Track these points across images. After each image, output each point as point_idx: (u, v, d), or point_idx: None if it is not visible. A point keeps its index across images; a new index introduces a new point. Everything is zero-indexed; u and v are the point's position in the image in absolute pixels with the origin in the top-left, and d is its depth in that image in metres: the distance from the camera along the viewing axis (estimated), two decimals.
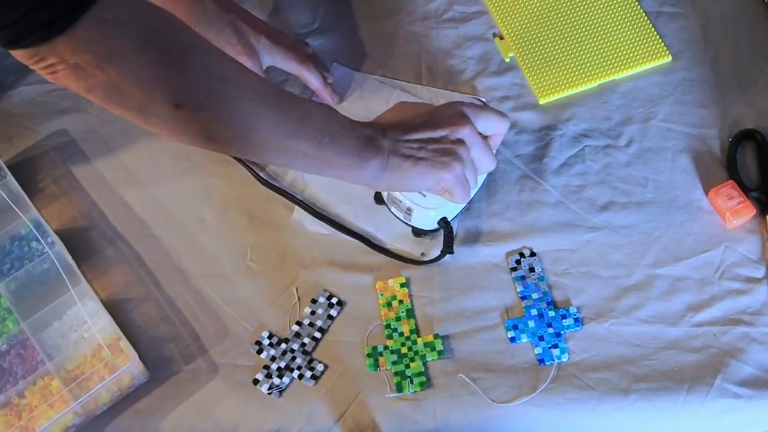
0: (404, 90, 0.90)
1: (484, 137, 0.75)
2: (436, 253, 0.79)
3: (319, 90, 0.88)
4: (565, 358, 0.74)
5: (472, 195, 0.76)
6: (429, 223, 0.78)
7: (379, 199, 0.82)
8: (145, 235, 0.83)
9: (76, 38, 0.53)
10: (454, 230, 0.78)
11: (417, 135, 0.71)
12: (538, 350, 0.74)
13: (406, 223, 0.79)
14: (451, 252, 0.78)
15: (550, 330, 0.75)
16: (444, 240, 0.77)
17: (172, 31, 0.60)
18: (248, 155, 0.70)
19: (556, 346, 0.74)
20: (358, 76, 0.91)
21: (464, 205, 0.79)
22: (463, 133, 0.72)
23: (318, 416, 0.73)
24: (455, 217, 0.79)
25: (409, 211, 0.77)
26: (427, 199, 0.76)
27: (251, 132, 0.65)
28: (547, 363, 0.74)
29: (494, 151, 0.77)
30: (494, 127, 0.76)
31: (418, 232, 0.80)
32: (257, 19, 0.85)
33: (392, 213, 0.80)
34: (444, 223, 0.77)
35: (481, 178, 0.79)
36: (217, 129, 0.64)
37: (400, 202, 0.77)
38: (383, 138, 0.70)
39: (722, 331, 0.74)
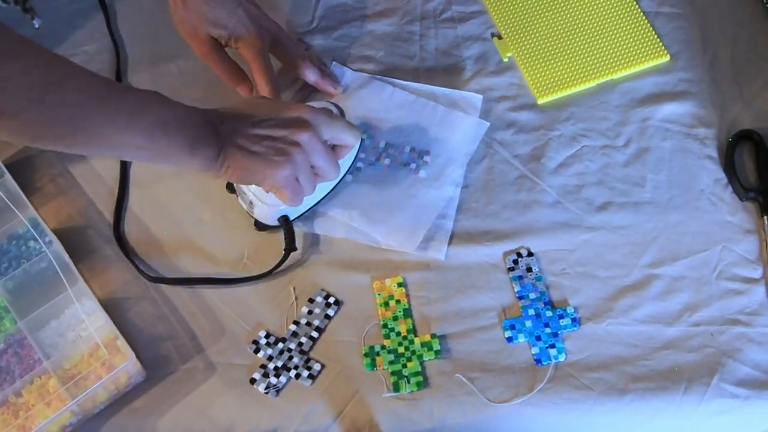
0: (403, 89, 0.90)
1: (330, 146, 0.76)
2: (433, 254, 0.79)
3: (318, 83, 0.88)
4: (562, 358, 0.74)
5: (312, 202, 0.80)
6: (269, 218, 0.80)
7: (230, 188, 0.83)
8: (143, 234, 0.83)
9: None
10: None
11: (256, 130, 0.72)
12: (535, 350, 0.74)
13: (250, 215, 0.81)
14: (294, 249, 0.79)
15: (548, 330, 0.75)
16: (285, 238, 0.79)
17: None
18: (79, 151, 0.72)
19: (553, 346, 0.74)
20: (356, 76, 0.91)
21: (306, 208, 0.80)
22: (302, 137, 0.72)
23: (315, 416, 0.73)
24: (299, 216, 0.81)
25: (251, 205, 0.79)
26: (268, 196, 0.77)
27: (78, 131, 0.65)
28: (544, 363, 0.74)
29: (348, 162, 0.80)
30: (342, 138, 0.77)
31: (260, 226, 0.81)
32: (262, 10, 0.87)
33: (240, 203, 0.82)
34: (284, 221, 0.79)
35: (327, 185, 0.81)
36: (41, 131, 0.64)
37: (245, 194, 0.79)
38: (220, 125, 0.71)
39: (719, 330, 0.74)
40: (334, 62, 0.92)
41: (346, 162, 0.81)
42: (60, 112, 0.63)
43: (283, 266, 0.80)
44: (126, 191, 0.86)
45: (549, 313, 0.76)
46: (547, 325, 0.75)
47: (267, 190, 0.76)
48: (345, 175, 0.83)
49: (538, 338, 0.75)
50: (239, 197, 0.82)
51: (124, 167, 0.87)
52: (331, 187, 0.82)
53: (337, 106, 0.82)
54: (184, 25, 0.84)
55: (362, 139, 0.83)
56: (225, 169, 0.72)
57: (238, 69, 0.87)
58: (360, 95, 0.90)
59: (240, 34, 0.84)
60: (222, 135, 0.71)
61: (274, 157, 0.71)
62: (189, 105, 0.71)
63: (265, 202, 0.78)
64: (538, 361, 0.74)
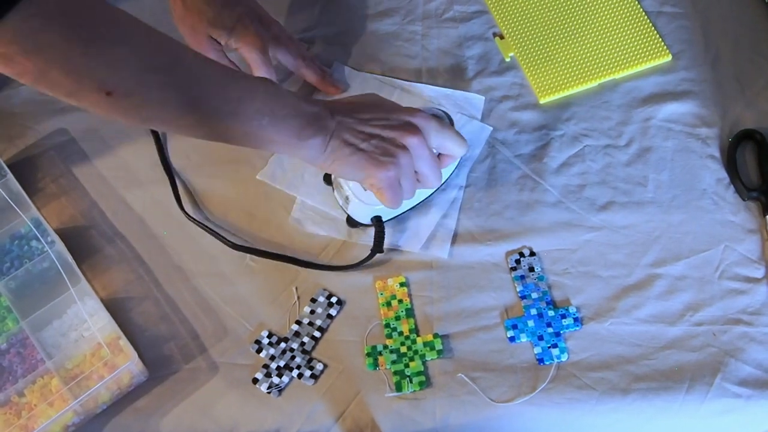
0: (405, 89, 0.90)
1: (436, 155, 0.76)
2: (440, 254, 0.79)
3: (318, 83, 0.89)
4: (564, 357, 0.74)
5: (408, 206, 0.79)
6: (363, 216, 0.79)
7: (327, 180, 0.83)
8: (145, 234, 0.83)
9: (3, 31, 0.55)
10: (430, 229, 0.80)
11: (366, 128, 0.72)
12: (537, 350, 0.74)
13: (344, 210, 0.81)
14: (381, 251, 0.79)
15: (550, 330, 0.75)
16: (374, 239, 0.79)
17: (103, 23, 0.61)
18: (187, 134, 0.73)
19: (555, 346, 0.74)
20: (358, 76, 0.91)
21: (401, 211, 0.80)
22: (411, 142, 0.72)
23: (317, 415, 0.73)
24: (392, 219, 0.80)
25: (347, 200, 0.79)
26: (366, 194, 0.77)
27: (186, 114, 0.66)
28: (547, 363, 0.74)
29: (449, 171, 0.80)
30: (448, 147, 0.77)
31: (352, 222, 0.81)
32: (263, 9, 0.87)
33: (335, 197, 0.82)
34: (377, 221, 0.79)
35: (424, 193, 0.81)
36: (150, 112, 0.66)
37: (342, 188, 0.79)
38: (330, 119, 0.72)
39: (722, 330, 0.74)
40: (335, 62, 0.92)
41: (447, 171, 0.81)
42: (170, 94, 0.64)
43: (284, 266, 0.80)
44: (171, 175, 0.86)
45: (551, 313, 0.76)
46: (549, 325, 0.75)
47: (367, 189, 0.76)
48: (444, 183, 0.82)
49: (541, 338, 0.75)
50: (335, 191, 0.81)
51: (127, 166, 0.87)
52: (429, 194, 0.81)
53: (447, 114, 0.82)
54: (184, 23, 0.84)
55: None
56: (330, 162, 0.72)
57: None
58: None
59: (239, 35, 0.83)
60: (331, 128, 0.71)
61: (380, 156, 0.71)
62: (301, 94, 0.71)
63: (362, 200, 0.77)
64: (541, 360, 0.74)
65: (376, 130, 0.72)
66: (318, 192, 0.84)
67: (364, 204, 0.77)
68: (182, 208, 0.83)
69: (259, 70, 0.84)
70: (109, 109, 0.63)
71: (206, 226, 0.82)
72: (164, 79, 0.64)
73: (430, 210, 0.82)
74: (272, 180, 0.85)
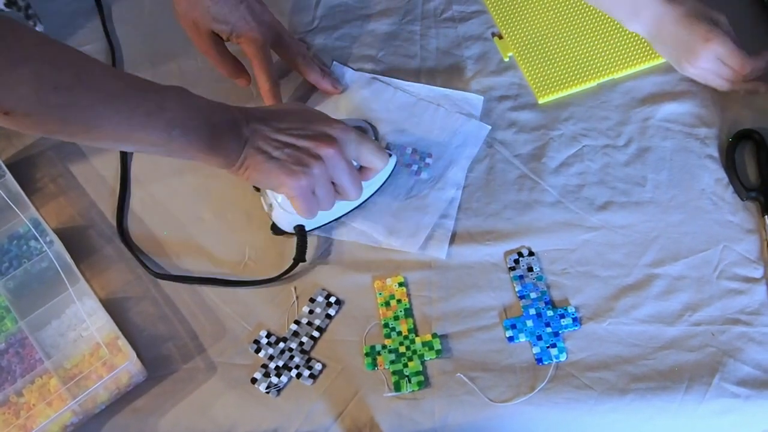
0: (403, 90, 0.90)
1: (357, 167, 0.76)
2: (438, 254, 0.79)
3: (317, 82, 0.89)
4: (563, 357, 0.74)
5: (328, 218, 0.80)
6: (286, 224, 0.80)
7: (256, 187, 0.83)
8: (144, 234, 0.83)
9: None
10: (435, 231, 0.80)
11: (280, 136, 0.72)
12: (536, 350, 0.74)
13: (269, 217, 0.81)
14: (303, 260, 0.79)
15: (549, 329, 0.75)
16: (296, 248, 0.79)
17: (3, 43, 0.60)
18: (94, 145, 0.74)
19: (554, 346, 0.74)
20: (357, 76, 0.91)
21: (321, 222, 0.80)
22: (326, 153, 0.72)
23: (316, 415, 0.73)
24: (316, 229, 0.81)
25: (271, 207, 0.79)
26: (289, 202, 0.76)
27: (92, 129, 0.66)
28: (545, 362, 0.74)
29: (376, 185, 0.81)
30: (367, 160, 0.77)
31: (276, 230, 0.81)
32: (265, 6, 0.87)
33: (262, 203, 0.82)
34: (299, 230, 0.79)
35: (347, 205, 0.81)
36: (53, 128, 0.66)
37: (267, 196, 0.79)
38: (245, 126, 0.71)
39: (720, 330, 0.74)
40: (334, 62, 0.92)
41: (373, 184, 0.81)
42: (72, 113, 0.64)
43: (283, 266, 0.80)
44: (127, 189, 0.86)
45: (550, 313, 0.76)
46: (548, 325, 0.75)
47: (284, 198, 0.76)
48: (370, 196, 0.82)
49: (539, 338, 0.75)
50: (261, 197, 0.82)
51: (125, 164, 0.87)
52: (353, 207, 0.81)
53: (371, 125, 0.82)
54: (186, 19, 0.84)
55: (395, 163, 0.83)
56: (243, 170, 0.72)
57: (238, 64, 0.88)
58: (361, 95, 0.90)
59: (242, 30, 0.84)
60: (245, 136, 0.71)
61: (292, 165, 0.71)
62: (215, 101, 0.71)
63: (284, 208, 0.77)
64: (539, 360, 0.74)
65: (291, 140, 0.72)
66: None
67: (287, 212, 0.77)
68: (119, 224, 0.84)
69: (260, 66, 0.84)
70: (9, 125, 0.63)
71: (135, 250, 0.82)
72: (65, 100, 0.63)
73: (428, 210, 0.82)
74: None
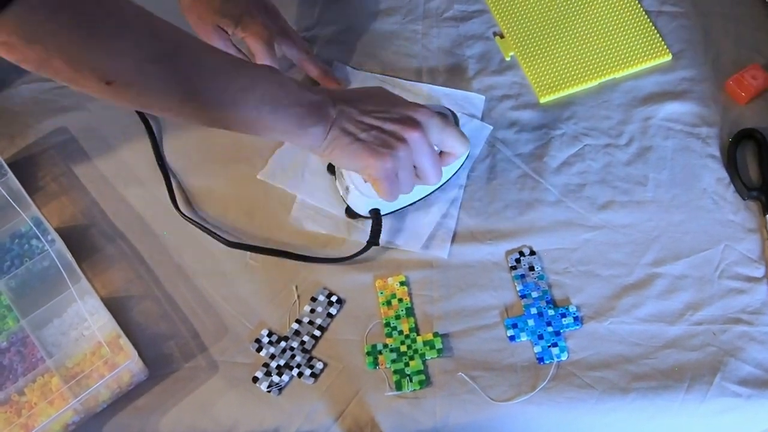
0: (405, 89, 0.90)
1: (437, 151, 0.76)
2: (440, 253, 0.79)
3: (320, 78, 0.89)
4: (564, 356, 0.74)
5: (406, 202, 0.80)
6: (361, 207, 0.80)
7: (330, 170, 0.84)
8: (146, 233, 0.83)
9: (5, 20, 0.56)
10: (434, 228, 0.81)
11: (366, 118, 0.73)
12: (537, 349, 0.74)
13: (344, 200, 0.81)
14: (377, 244, 0.79)
15: (550, 329, 0.75)
16: (371, 231, 0.79)
17: (105, 14, 0.61)
18: (186, 121, 0.75)
19: (555, 345, 0.74)
20: (359, 75, 0.91)
21: (399, 206, 0.80)
22: (411, 136, 0.72)
23: (317, 414, 0.73)
24: (390, 213, 0.81)
25: (347, 190, 0.79)
26: (366, 185, 0.77)
27: (186, 103, 0.67)
28: (547, 362, 0.74)
29: (452, 170, 0.80)
30: (449, 145, 0.77)
31: (350, 213, 0.81)
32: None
33: (336, 187, 0.82)
34: (374, 214, 0.79)
35: (424, 190, 0.80)
36: (150, 100, 0.67)
37: (343, 178, 0.79)
38: (332, 107, 0.72)
39: (721, 329, 0.74)
40: (336, 62, 0.92)
41: (449, 170, 0.81)
42: (171, 85, 0.65)
43: (284, 265, 0.80)
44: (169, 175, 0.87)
45: (551, 312, 0.76)
46: (549, 324, 0.75)
47: (365, 180, 0.76)
48: (445, 182, 0.82)
49: (541, 337, 0.75)
50: (337, 180, 0.82)
51: (127, 165, 0.87)
52: (429, 192, 0.81)
53: (453, 113, 0.81)
54: (191, 12, 0.85)
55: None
56: (330, 151, 0.73)
57: (242, 58, 0.87)
58: None
59: (247, 24, 0.84)
60: (332, 117, 0.72)
61: (379, 147, 0.72)
62: (303, 83, 0.72)
63: (361, 191, 0.78)
64: (541, 359, 0.74)
65: (377, 122, 0.73)
66: (318, 190, 0.84)
67: (363, 195, 0.78)
68: (177, 207, 0.83)
69: (264, 61, 0.84)
70: (110, 96, 0.64)
71: (201, 225, 0.82)
72: (165, 69, 0.64)
73: (430, 209, 0.82)
74: (272, 179, 0.85)
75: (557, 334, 0.75)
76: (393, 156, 0.72)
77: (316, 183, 0.84)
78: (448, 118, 0.80)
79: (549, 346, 0.74)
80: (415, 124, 0.73)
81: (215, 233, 0.81)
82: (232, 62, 0.70)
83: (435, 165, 0.75)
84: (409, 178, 0.75)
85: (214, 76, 0.67)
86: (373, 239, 0.79)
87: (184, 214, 0.83)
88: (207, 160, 0.87)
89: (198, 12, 0.84)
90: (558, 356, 0.74)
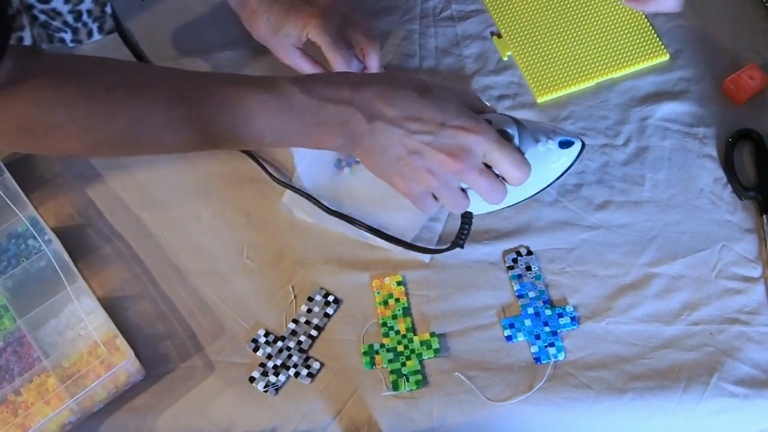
0: None
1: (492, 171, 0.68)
2: (421, 257, 0.79)
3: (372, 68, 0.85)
4: (561, 356, 0.74)
5: (501, 205, 0.72)
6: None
7: None
8: (142, 233, 0.83)
9: None
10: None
11: (410, 141, 0.65)
12: (534, 348, 0.74)
13: None
14: (461, 246, 0.76)
15: (547, 329, 0.75)
16: (458, 231, 0.76)
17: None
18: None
19: (552, 345, 0.74)
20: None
21: (489, 209, 0.74)
22: (453, 168, 0.66)
23: (314, 414, 0.73)
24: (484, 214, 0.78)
25: None
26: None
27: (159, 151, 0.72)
28: (543, 362, 0.74)
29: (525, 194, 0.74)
30: (503, 170, 0.67)
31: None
32: None
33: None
34: (465, 216, 0.75)
35: (522, 192, 0.74)
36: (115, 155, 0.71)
37: None
38: (363, 123, 0.64)
39: (719, 329, 0.74)
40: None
41: (543, 178, 0.74)
42: (132, 151, 0.74)
43: (281, 264, 0.80)
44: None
45: (548, 312, 0.76)
46: (546, 324, 0.75)
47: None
48: (553, 182, 0.76)
49: (537, 337, 0.75)
50: None
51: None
52: (529, 194, 0.76)
53: (519, 124, 0.71)
54: (267, 44, 0.85)
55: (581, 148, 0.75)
56: (361, 155, 0.68)
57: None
58: None
59: (302, 24, 0.80)
60: (359, 135, 0.65)
61: (409, 176, 0.66)
62: (322, 91, 0.65)
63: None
64: (537, 359, 0.74)
65: (419, 146, 0.65)
66: (316, 178, 0.83)
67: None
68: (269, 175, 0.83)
69: (332, 53, 0.80)
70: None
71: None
72: (120, 144, 0.66)
73: (418, 211, 0.81)
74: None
75: (554, 334, 0.75)
76: (425, 185, 0.67)
77: (310, 171, 0.84)
78: (512, 138, 0.69)
79: (546, 346, 0.74)
80: (460, 154, 0.64)
81: (317, 200, 0.81)
82: (234, 95, 0.65)
83: (490, 186, 0.67)
84: (453, 198, 0.69)
85: (213, 118, 0.65)
86: (458, 241, 0.75)
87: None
88: (204, 160, 0.87)
89: (267, 42, 0.84)
90: (555, 356, 0.74)
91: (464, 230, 0.76)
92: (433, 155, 0.65)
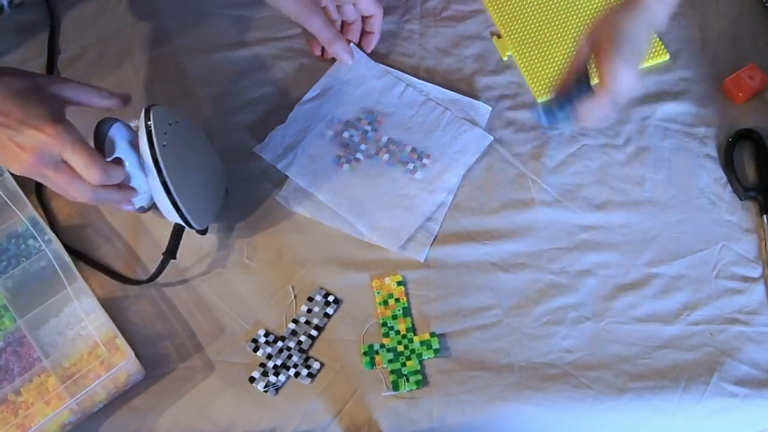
0: (416, 87, 0.89)
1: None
2: (417, 256, 0.79)
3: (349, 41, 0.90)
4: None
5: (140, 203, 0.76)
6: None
7: None
8: (142, 233, 0.83)
9: None
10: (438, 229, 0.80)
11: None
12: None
13: None
14: (173, 257, 0.78)
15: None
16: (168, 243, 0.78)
17: None
18: None
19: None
20: (372, 65, 0.91)
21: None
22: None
23: (314, 414, 0.73)
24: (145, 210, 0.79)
25: None
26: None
27: None
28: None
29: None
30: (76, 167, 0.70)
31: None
32: None
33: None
34: (176, 226, 0.78)
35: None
36: None
37: None
38: None
39: (718, 329, 0.74)
40: (352, 44, 0.91)
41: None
42: None
43: (281, 265, 0.80)
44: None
45: None
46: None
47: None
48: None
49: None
50: None
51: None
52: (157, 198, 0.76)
53: (126, 126, 0.78)
54: None
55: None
56: None
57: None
58: (372, 85, 0.89)
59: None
60: None
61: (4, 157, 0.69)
62: None
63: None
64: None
65: (3, 138, 0.69)
66: (310, 174, 0.84)
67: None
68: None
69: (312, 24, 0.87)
70: None
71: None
72: None
73: (415, 211, 0.81)
74: (265, 154, 0.85)
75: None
76: (22, 169, 0.69)
77: (310, 166, 0.84)
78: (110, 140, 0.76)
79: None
80: (35, 152, 0.68)
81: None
82: None
83: (68, 183, 0.70)
84: (55, 185, 0.70)
85: None
86: (168, 251, 0.78)
87: None
88: None
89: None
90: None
91: (174, 240, 0.78)
92: (12, 148, 0.69)
